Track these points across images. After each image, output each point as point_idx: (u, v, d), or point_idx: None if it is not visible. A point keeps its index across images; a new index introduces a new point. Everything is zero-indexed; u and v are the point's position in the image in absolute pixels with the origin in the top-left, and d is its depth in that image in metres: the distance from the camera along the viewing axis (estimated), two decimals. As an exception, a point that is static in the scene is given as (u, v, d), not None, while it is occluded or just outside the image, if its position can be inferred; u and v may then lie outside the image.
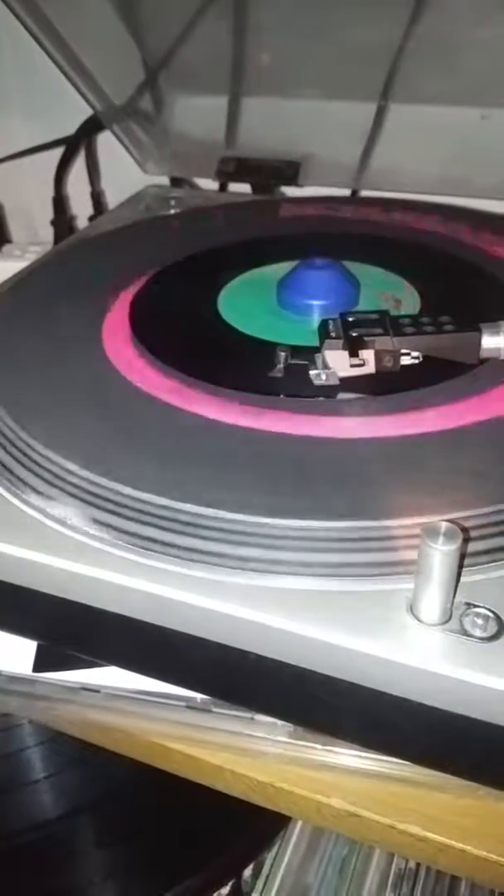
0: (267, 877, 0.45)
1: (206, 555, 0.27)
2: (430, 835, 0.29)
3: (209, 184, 0.65)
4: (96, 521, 0.28)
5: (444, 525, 0.23)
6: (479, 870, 0.29)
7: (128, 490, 0.28)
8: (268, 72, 0.59)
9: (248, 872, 0.46)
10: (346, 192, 0.62)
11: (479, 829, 0.29)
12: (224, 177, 0.62)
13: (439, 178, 0.57)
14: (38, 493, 0.30)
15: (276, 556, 0.27)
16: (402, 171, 0.59)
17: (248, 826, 0.44)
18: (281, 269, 0.43)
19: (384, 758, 0.30)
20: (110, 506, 0.28)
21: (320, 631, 0.25)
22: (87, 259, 0.48)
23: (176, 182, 0.67)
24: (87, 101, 0.62)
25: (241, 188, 0.64)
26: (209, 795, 0.34)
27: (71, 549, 0.28)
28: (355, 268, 0.43)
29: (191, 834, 0.45)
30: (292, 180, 0.60)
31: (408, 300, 0.41)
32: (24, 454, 0.31)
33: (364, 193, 0.62)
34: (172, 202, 0.59)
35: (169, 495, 0.27)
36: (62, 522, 0.29)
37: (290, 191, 0.63)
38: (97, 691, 0.34)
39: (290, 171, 0.60)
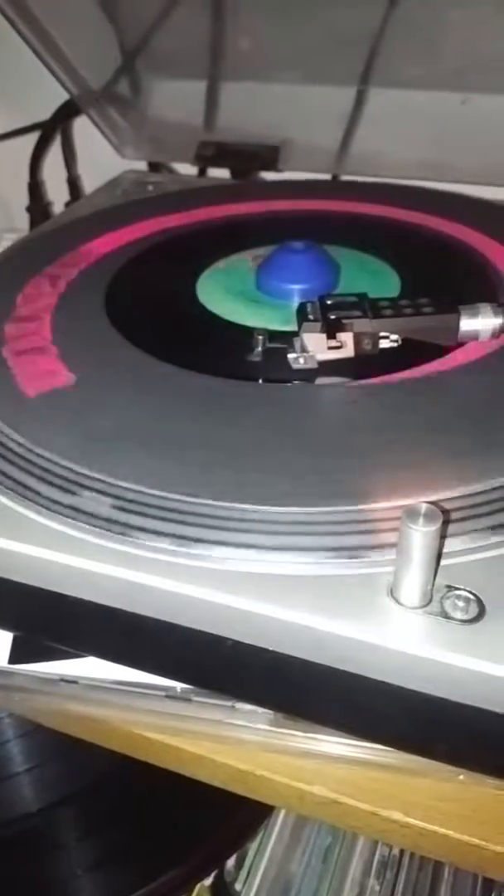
0: (250, 867, 0.45)
1: (182, 540, 0.27)
2: (411, 820, 0.29)
3: (188, 168, 0.64)
4: (69, 507, 0.28)
5: (424, 506, 0.23)
6: (461, 854, 0.29)
7: (103, 476, 0.27)
8: (247, 55, 0.59)
9: (230, 863, 0.46)
10: (327, 177, 0.61)
11: (461, 813, 0.29)
12: (203, 161, 0.62)
13: (419, 163, 0.56)
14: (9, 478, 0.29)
15: (253, 541, 0.26)
16: (383, 156, 0.58)
17: (231, 816, 0.44)
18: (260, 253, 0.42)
19: (366, 744, 0.30)
20: (82, 490, 0.28)
21: (299, 615, 0.25)
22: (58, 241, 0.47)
23: (154, 167, 0.66)
24: (63, 85, 0.61)
25: (221, 173, 0.64)
26: (191, 786, 0.33)
27: (42, 535, 0.28)
28: (335, 251, 0.42)
29: (173, 825, 0.45)
30: (272, 165, 0.60)
31: (388, 284, 0.40)
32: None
33: (344, 178, 0.61)
34: (150, 187, 0.59)
35: (143, 481, 0.27)
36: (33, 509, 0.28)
37: (269, 176, 0.63)
38: (75, 682, 0.33)
39: (269, 155, 0.59)
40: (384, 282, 0.40)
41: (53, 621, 0.31)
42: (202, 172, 0.65)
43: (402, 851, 0.44)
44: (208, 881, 0.45)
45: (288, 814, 0.46)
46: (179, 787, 0.35)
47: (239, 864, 0.45)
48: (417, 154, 0.57)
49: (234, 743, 0.31)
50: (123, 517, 0.27)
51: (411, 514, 0.23)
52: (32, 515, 0.28)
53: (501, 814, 0.29)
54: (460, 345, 0.33)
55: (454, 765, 0.28)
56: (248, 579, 0.26)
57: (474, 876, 0.43)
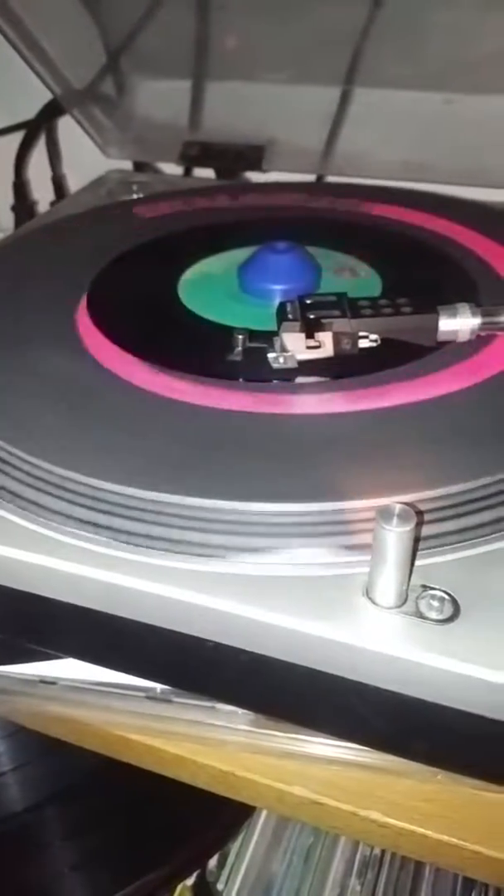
0: (232, 867, 0.45)
1: (160, 541, 0.26)
2: (390, 820, 0.29)
3: (173, 168, 0.64)
4: (46, 508, 0.28)
5: (398, 507, 0.23)
6: (440, 854, 0.29)
7: (78, 476, 0.27)
8: (232, 55, 0.59)
9: (213, 863, 0.46)
10: (312, 178, 0.61)
11: (440, 813, 0.29)
12: (188, 161, 0.61)
13: (403, 164, 0.56)
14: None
15: (230, 542, 0.26)
16: (367, 156, 0.58)
17: (213, 816, 0.44)
18: (244, 253, 0.42)
19: (346, 744, 0.30)
20: (59, 492, 0.28)
21: (275, 616, 0.25)
22: (39, 247, 0.47)
23: (139, 167, 0.66)
24: (47, 84, 0.60)
25: (206, 173, 0.64)
26: (173, 786, 0.33)
27: (20, 537, 0.27)
28: (318, 253, 0.42)
29: (156, 825, 0.45)
30: (256, 165, 0.59)
31: (369, 284, 0.40)
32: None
33: (329, 179, 0.61)
34: (135, 187, 0.58)
35: (119, 481, 0.27)
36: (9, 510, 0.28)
37: (254, 176, 0.62)
38: (55, 683, 0.33)
39: (253, 155, 0.59)
40: (365, 282, 0.40)
41: (32, 623, 0.31)
42: (187, 172, 0.64)
43: (383, 851, 0.44)
44: (190, 881, 0.45)
45: (270, 813, 0.46)
46: (162, 787, 0.34)
47: (221, 864, 0.46)
48: (402, 154, 0.57)
49: (215, 744, 0.31)
50: (100, 518, 0.27)
51: (385, 514, 0.23)
52: (8, 516, 0.28)
53: (479, 814, 0.29)
54: (441, 345, 0.33)
55: (431, 765, 0.28)
56: (225, 580, 0.26)
57: (455, 875, 0.43)
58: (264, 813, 0.46)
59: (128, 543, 0.27)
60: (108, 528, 0.27)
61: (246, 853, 0.45)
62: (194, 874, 0.45)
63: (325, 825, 0.31)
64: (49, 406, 0.31)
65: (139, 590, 0.26)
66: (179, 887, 0.45)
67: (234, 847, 0.46)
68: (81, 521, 0.27)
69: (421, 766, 0.29)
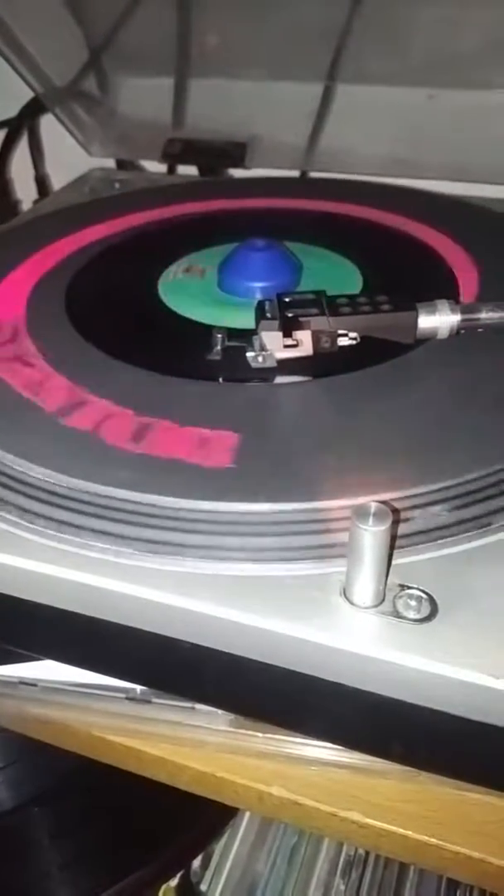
0: (216, 867, 0.45)
1: (136, 542, 0.26)
2: (371, 821, 0.29)
3: (157, 166, 0.64)
4: (21, 509, 0.27)
5: (373, 505, 0.23)
6: (420, 855, 0.29)
7: (54, 476, 0.27)
8: (214, 52, 0.58)
9: (196, 863, 0.46)
10: (295, 174, 0.61)
11: (420, 813, 0.29)
12: (170, 159, 0.61)
13: (387, 159, 0.56)
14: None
15: (207, 542, 0.26)
16: (350, 152, 0.58)
17: (196, 816, 0.44)
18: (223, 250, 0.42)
19: (326, 745, 0.30)
20: (35, 492, 0.27)
21: (252, 617, 0.24)
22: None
23: (122, 164, 0.65)
24: (28, 83, 0.60)
25: (189, 170, 0.63)
26: (157, 786, 0.33)
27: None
28: (298, 248, 0.42)
29: (141, 825, 0.44)
30: (239, 162, 0.59)
31: (350, 281, 0.40)
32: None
33: (312, 175, 0.61)
34: (118, 185, 0.58)
35: (95, 480, 0.26)
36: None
37: (237, 173, 0.62)
38: (35, 685, 0.33)
39: (236, 152, 0.59)
40: (347, 279, 0.40)
41: (10, 625, 0.30)
42: (171, 170, 0.64)
43: (367, 851, 0.44)
44: (174, 881, 0.45)
45: (253, 814, 0.46)
46: (147, 787, 0.34)
47: (205, 865, 0.45)
48: (385, 150, 0.57)
49: (195, 745, 0.31)
50: (77, 519, 0.27)
51: (360, 513, 0.22)
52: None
53: (460, 814, 0.29)
54: (420, 342, 0.33)
55: (410, 766, 0.28)
56: (200, 581, 0.25)
57: (440, 875, 0.43)
58: (248, 813, 0.46)
59: (101, 544, 0.26)
60: (80, 527, 0.27)
61: (230, 853, 0.45)
62: (178, 874, 0.45)
63: (306, 826, 0.31)
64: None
65: (113, 591, 0.26)
66: (163, 888, 0.45)
67: (218, 847, 0.45)
68: (52, 519, 0.27)
69: (399, 766, 0.28)
